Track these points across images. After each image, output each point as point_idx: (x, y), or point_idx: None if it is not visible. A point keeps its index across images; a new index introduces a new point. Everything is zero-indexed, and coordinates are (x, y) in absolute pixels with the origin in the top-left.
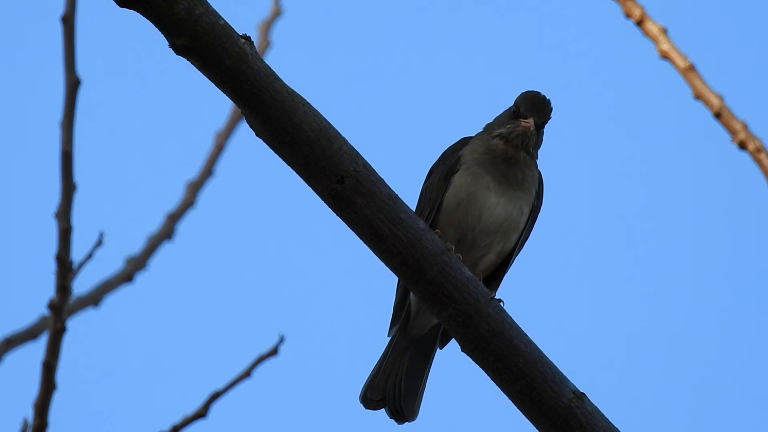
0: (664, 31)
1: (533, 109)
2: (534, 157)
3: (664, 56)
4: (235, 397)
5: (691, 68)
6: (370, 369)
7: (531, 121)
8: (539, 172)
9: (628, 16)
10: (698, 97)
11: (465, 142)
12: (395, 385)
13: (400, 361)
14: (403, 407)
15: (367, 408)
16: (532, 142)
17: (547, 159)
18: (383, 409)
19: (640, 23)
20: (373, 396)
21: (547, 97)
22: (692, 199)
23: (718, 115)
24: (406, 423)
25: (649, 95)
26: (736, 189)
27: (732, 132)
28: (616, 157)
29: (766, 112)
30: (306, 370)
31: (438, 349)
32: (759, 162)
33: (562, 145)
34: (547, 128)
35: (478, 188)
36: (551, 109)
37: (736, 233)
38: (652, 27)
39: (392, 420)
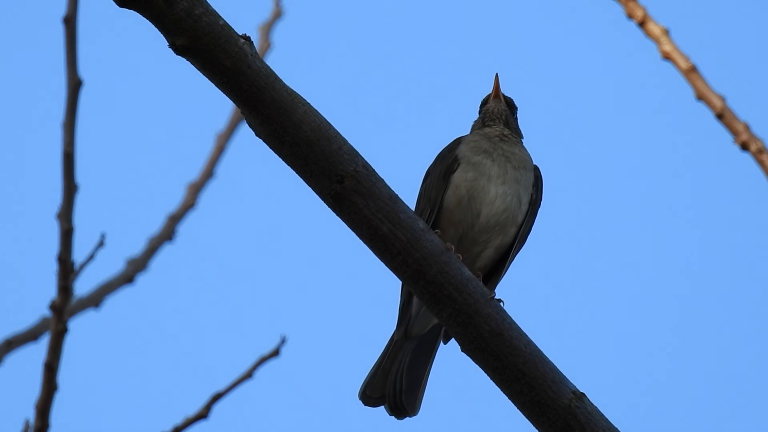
0: (667, 32)
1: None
2: (520, 135)
3: (666, 57)
4: (236, 398)
5: (693, 69)
6: (370, 368)
7: (491, 92)
8: (531, 159)
9: (630, 17)
10: (700, 98)
11: (460, 141)
12: (395, 381)
13: (400, 358)
14: (405, 402)
15: (366, 405)
16: (503, 113)
17: (548, 159)
18: (383, 407)
19: (642, 24)
20: (372, 393)
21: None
22: (694, 200)
23: (720, 116)
24: (407, 418)
25: (651, 96)
26: (738, 190)
27: (734, 133)
28: (617, 158)
29: None
30: (307, 371)
31: (442, 344)
32: (761, 163)
33: (563, 146)
34: (548, 128)
35: (480, 180)
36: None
37: (738, 234)
38: (654, 28)
39: (392, 416)
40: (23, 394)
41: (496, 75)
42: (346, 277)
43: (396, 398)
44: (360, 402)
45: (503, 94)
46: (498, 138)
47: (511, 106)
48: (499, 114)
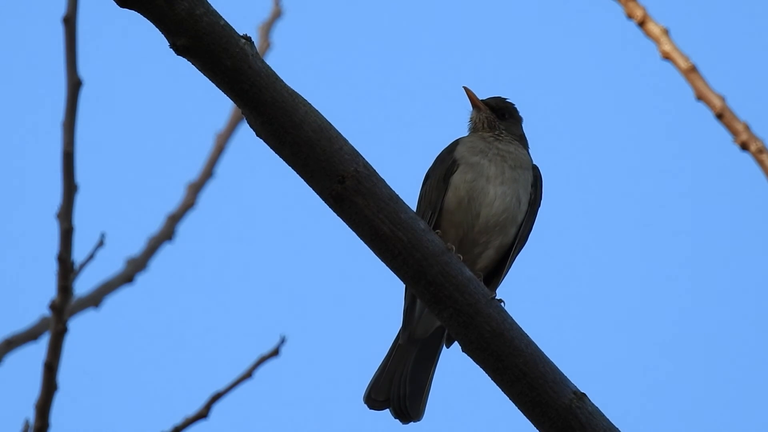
0: (666, 32)
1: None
2: (516, 134)
3: (666, 57)
4: (236, 397)
5: (693, 69)
6: (372, 369)
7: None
8: (531, 158)
9: (629, 17)
10: (700, 98)
11: (458, 142)
12: (399, 386)
13: (404, 361)
14: (409, 407)
15: (371, 408)
16: (485, 121)
17: (548, 159)
18: (387, 410)
19: (641, 24)
20: (377, 396)
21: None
22: (694, 200)
23: (720, 116)
24: (412, 423)
25: (651, 96)
26: (738, 190)
27: (734, 133)
28: (617, 158)
29: None
30: (307, 370)
31: (444, 348)
32: (761, 163)
33: (563, 146)
34: (548, 128)
35: (479, 181)
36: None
37: (738, 234)
38: (653, 28)
39: (397, 420)
40: (23, 394)
41: (465, 88)
42: (346, 277)
43: (400, 403)
44: (365, 405)
45: (491, 99)
46: (492, 137)
47: (499, 109)
48: (481, 122)
